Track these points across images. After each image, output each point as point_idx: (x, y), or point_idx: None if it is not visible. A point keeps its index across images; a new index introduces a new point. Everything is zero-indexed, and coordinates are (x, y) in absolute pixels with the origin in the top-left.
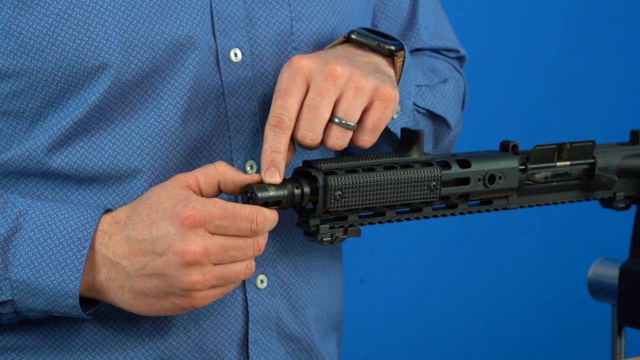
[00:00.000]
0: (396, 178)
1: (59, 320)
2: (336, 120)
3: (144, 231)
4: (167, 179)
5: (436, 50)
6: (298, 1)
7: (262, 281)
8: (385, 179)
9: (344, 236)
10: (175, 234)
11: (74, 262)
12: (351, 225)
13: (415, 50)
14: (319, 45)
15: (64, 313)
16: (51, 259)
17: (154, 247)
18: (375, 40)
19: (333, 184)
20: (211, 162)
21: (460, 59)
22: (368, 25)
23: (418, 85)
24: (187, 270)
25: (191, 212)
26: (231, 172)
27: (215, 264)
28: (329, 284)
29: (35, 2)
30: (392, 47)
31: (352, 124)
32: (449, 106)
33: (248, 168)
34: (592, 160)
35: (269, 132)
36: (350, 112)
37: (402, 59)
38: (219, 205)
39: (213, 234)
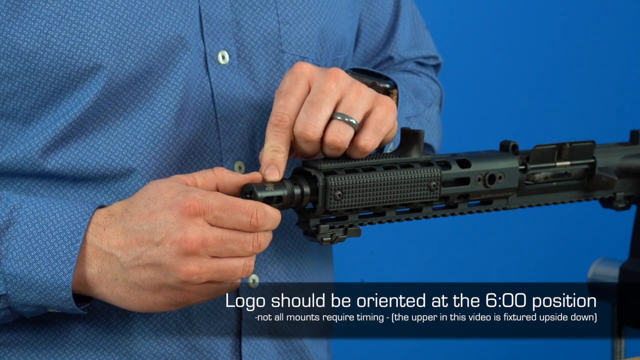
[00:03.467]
0: (396, 178)
1: (52, 317)
2: (338, 117)
3: (141, 221)
4: (162, 178)
5: (416, 60)
6: (285, 4)
7: (253, 280)
8: (385, 179)
9: (344, 236)
10: (174, 222)
11: (66, 255)
12: (351, 225)
13: (389, 60)
14: (306, 48)
15: (58, 307)
16: (44, 252)
17: (151, 237)
18: (370, 79)
19: (333, 184)
20: (202, 162)
21: (437, 66)
22: (354, 30)
23: (407, 117)
24: (184, 260)
25: (191, 202)
26: (229, 174)
27: (213, 257)
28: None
29: (28, 4)
30: (387, 86)
31: (354, 120)
32: (433, 131)
33: (237, 169)
34: (592, 160)
35: (270, 131)
36: (353, 110)
37: (396, 96)
38: (219, 197)
39: (212, 225)
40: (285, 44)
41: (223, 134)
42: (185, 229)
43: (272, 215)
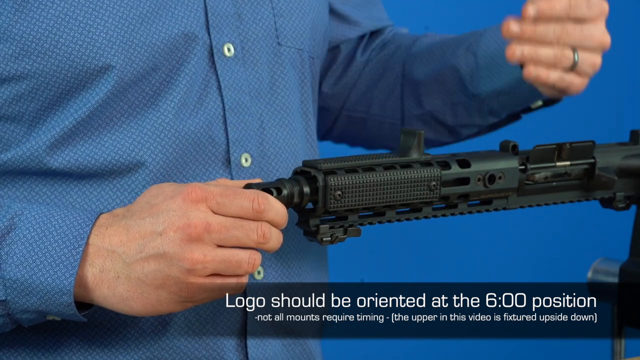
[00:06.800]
0: (396, 178)
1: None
2: None
3: (143, 214)
4: (169, 172)
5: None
6: None
7: (259, 272)
8: (385, 179)
9: (344, 236)
10: (177, 210)
11: (69, 259)
12: (351, 225)
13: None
14: (301, 40)
15: (59, 313)
16: (46, 257)
17: (153, 227)
18: None
19: (333, 184)
20: (209, 154)
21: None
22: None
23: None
24: (188, 247)
25: (193, 188)
26: (231, 182)
27: (218, 246)
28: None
29: (35, 4)
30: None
31: None
32: None
33: (244, 161)
34: (592, 160)
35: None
36: None
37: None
38: (221, 184)
39: (215, 213)
40: (281, 37)
41: (231, 126)
42: (189, 215)
43: (275, 205)
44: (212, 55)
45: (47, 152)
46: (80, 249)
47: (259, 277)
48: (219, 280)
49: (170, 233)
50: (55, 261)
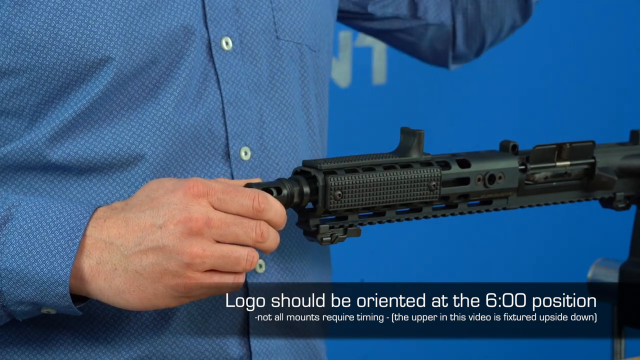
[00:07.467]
0: (396, 178)
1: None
2: None
3: (143, 207)
4: (169, 165)
5: None
6: None
7: (260, 266)
8: (385, 179)
9: (344, 236)
10: (178, 203)
11: (65, 250)
12: (351, 225)
13: None
14: (299, 33)
15: (54, 305)
16: (42, 247)
17: (153, 220)
18: None
19: (333, 184)
20: (209, 148)
21: None
22: (336, 11)
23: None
24: (188, 241)
25: (194, 183)
26: (231, 181)
27: (217, 242)
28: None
29: None
30: None
31: None
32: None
33: (243, 154)
34: (592, 160)
35: None
36: None
37: None
38: (222, 182)
39: (216, 209)
40: (280, 31)
41: (230, 120)
42: (189, 209)
43: (275, 205)
44: (210, 48)
45: (46, 145)
46: (77, 240)
47: (260, 271)
48: (216, 278)
49: (171, 226)
50: (51, 252)
